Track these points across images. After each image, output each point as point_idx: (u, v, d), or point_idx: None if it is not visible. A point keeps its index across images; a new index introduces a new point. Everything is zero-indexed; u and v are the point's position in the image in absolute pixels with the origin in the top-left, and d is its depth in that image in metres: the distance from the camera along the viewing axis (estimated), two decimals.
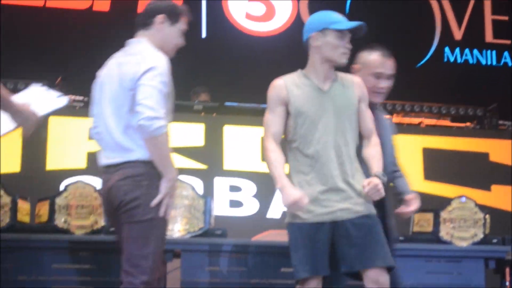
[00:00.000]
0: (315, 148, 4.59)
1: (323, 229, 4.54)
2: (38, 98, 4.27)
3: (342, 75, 4.79)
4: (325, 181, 4.58)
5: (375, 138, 4.80)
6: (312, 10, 10.54)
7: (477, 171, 8.88)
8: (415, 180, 8.98)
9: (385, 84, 5.04)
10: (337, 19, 4.73)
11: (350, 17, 5.11)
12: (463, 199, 6.00)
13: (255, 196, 8.53)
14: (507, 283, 6.02)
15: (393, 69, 5.06)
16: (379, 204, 4.68)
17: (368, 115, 4.81)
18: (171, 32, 4.49)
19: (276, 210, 8.53)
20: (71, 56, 9.24)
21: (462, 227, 5.90)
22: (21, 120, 3.93)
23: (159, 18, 4.44)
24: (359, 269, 4.59)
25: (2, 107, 3.96)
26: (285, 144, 4.65)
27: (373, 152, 4.76)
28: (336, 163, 4.60)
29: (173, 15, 4.49)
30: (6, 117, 4.07)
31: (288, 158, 4.66)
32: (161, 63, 4.26)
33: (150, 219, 4.16)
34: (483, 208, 6.00)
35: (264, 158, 4.74)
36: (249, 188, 8.49)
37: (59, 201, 5.35)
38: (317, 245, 4.55)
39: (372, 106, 4.93)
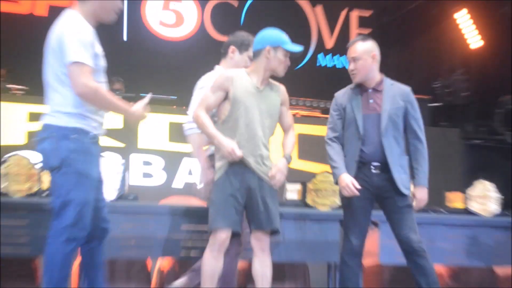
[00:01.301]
0: (244, 129, 4.79)
1: None
2: (112, 171, 4.49)
3: (273, 82, 4.97)
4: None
5: (292, 131, 5.07)
6: (213, 18, 10.66)
7: None
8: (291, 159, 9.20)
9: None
10: (288, 41, 4.91)
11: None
12: (325, 174, 6.11)
13: (163, 169, 8.60)
14: None
15: None
16: None
17: (288, 115, 5.06)
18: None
19: (179, 181, 8.66)
20: (15, 53, 9.12)
21: (324, 195, 6.04)
22: (133, 119, 4.20)
23: None
24: None
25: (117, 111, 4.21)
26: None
27: (287, 141, 5.04)
28: (254, 144, 4.81)
29: None
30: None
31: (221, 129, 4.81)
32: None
33: None
34: None
35: (198, 124, 4.81)
36: (159, 163, 8.56)
37: (1, 170, 5.36)
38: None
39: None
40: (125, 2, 10.23)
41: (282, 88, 5.02)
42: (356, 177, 4.98)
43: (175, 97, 8.86)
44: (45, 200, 5.32)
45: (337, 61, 11.55)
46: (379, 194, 5.00)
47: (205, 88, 5.00)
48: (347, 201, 5.04)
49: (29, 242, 5.23)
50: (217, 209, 4.79)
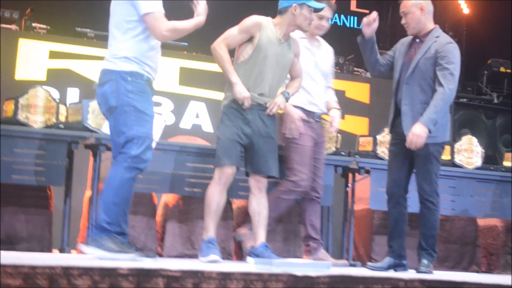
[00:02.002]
0: (257, 75, 4.77)
1: None
2: (155, 125, 4.37)
3: (291, 36, 4.95)
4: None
5: (299, 79, 5.04)
6: None
7: None
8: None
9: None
10: None
11: None
12: (322, 120, 5.96)
13: (172, 111, 8.43)
14: (349, 185, 6.11)
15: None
16: None
17: (298, 65, 5.03)
18: None
19: (187, 123, 8.50)
20: None
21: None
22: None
23: None
24: None
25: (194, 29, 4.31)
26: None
27: (291, 84, 5.02)
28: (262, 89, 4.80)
29: None
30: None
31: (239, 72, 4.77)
32: None
33: None
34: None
35: (216, 56, 4.76)
36: (168, 104, 8.37)
37: (21, 100, 5.20)
38: None
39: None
40: None
41: (297, 42, 5.02)
42: (393, 123, 4.97)
43: (186, 44, 8.69)
44: (61, 132, 5.19)
45: (337, 20, 11.31)
46: (405, 140, 4.82)
47: None
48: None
49: (45, 171, 5.11)
50: (224, 147, 4.74)
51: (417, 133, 4.68)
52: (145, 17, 4.16)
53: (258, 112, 4.83)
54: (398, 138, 4.91)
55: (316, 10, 4.95)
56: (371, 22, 4.90)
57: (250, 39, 4.80)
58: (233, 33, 4.80)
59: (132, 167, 4.14)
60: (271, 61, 4.81)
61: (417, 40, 4.92)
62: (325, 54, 5.54)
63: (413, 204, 5.07)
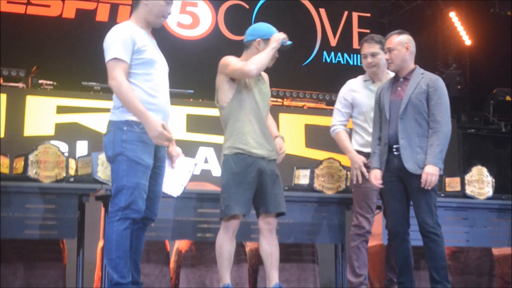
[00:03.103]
0: (250, 111, 4.79)
1: None
2: (184, 168, 4.55)
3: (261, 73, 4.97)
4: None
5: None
6: (227, 19, 10.51)
7: None
8: (299, 147, 9.11)
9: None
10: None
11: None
12: (331, 160, 5.99)
13: None
14: None
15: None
16: None
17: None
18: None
19: (196, 169, 8.46)
20: (45, 51, 9.02)
21: (330, 180, 5.91)
22: (150, 131, 4.16)
23: None
24: None
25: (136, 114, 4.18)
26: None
27: (271, 123, 5.01)
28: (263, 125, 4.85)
29: None
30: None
31: (227, 113, 4.83)
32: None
33: None
34: (345, 167, 5.98)
35: (255, 66, 4.69)
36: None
37: (31, 157, 5.22)
38: None
39: None
40: None
41: (266, 76, 5.03)
42: (388, 160, 4.98)
43: (192, 91, 8.78)
44: (71, 185, 5.24)
45: (341, 58, 11.40)
46: (401, 175, 4.89)
47: None
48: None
49: (57, 225, 5.13)
50: (229, 195, 4.72)
51: (430, 172, 4.76)
52: (107, 63, 4.20)
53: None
54: (393, 174, 4.95)
55: (282, 46, 4.83)
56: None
57: (231, 80, 4.80)
58: (240, 62, 4.76)
59: (123, 218, 4.16)
60: (257, 97, 4.83)
61: (401, 79, 5.00)
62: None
63: (417, 236, 5.08)
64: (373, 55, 5.40)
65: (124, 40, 4.20)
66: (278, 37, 4.77)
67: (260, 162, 4.79)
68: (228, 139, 4.84)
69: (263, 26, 4.90)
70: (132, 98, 4.15)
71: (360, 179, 5.36)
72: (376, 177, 5.01)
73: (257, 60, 4.70)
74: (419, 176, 4.77)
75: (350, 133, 5.61)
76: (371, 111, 5.33)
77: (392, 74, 5.42)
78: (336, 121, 5.58)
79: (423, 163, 4.79)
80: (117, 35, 4.22)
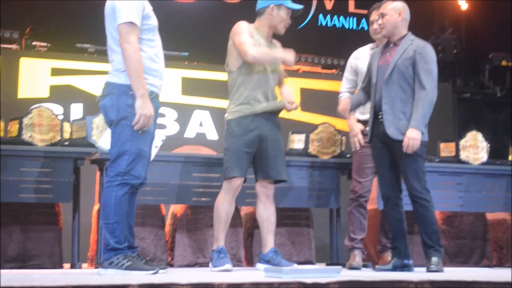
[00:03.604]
0: (257, 76, 4.79)
1: None
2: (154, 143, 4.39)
3: (272, 39, 4.97)
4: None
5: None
6: None
7: None
8: (294, 111, 9.04)
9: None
10: (289, 0, 4.87)
11: None
12: (326, 124, 5.99)
13: (175, 120, 8.45)
14: None
15: None
16: None
17: (283, 71, 5.08)
18: None
19: (191, 132, 8.52)
20: (38, 12, 8.90)
21: (325, 145, 5.90)
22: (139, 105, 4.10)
23: None
24: None
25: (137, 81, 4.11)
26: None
27: (284, 90, 5.08)
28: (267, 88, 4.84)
29: None
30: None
31: (236, 78, 4.80)
32: None
33: None
34: (340, 132, 6.03)
35: (263, 57, 4.73)
36: (172, 114, 8.39)
37: (26, 120, 5.20)
38: None
39: None
40: None
41: (278, 44, 5.02)
42: (373, 125, 4.99)
43: (187, 54, 8.71)
44: (66, 149, 5.21)
45: (336, 21, 11.30)
46: (386, 141, 4.88)
47: None
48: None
49: (52, 188, 5.13)
50: (233, 158, 4.74)
51: (412, 137, 4.73)
52: (119, 26, 4.13)
53: (264, 117, 4.83)
54: (379, 141, 4.95)
55: (294, 12, 4.89)
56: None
57: None
58: (249, 39, 4.74)
59: (123, 183, 4.12)
60: (268, 67, 4.84)
61: (391, 45, 4.99)
62: None
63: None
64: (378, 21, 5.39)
65: (136, 4, 4.14)
66: (289, 58, 4.84)
67: (262, 128, 4.79)
68: (233, 104, 4.84)
69: None
70: (141, 69, 4.11)
71: (357, 145, 5.38)
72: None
73: (263, 54, 4.75)
74: (402, 142, 4.76)
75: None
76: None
77: None
78: (343, 88, 5.66)
79: (405, 128, 4.77)
80: None
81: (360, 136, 5.38)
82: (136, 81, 4.11)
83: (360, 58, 5.56)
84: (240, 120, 4.77)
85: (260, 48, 4.76)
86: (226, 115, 4.89)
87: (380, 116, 4.89)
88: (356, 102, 5.22)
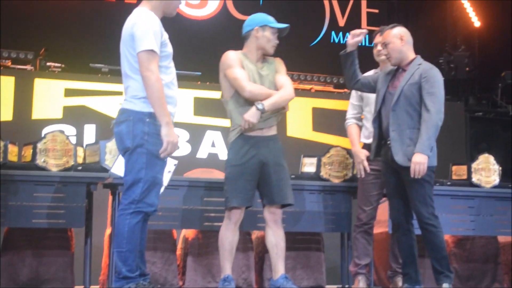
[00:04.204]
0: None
1: None
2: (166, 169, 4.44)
3: (268, 58, 5.01)
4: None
5: (283, 89, 4.93)
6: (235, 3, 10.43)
7: None
8: (306, 131, 9.10)
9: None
10: (273, 20, 4.95)
11: (263, 10, 5.19)
12: (338, 148, 6.00)
13: (188, 141, 8.48)
14: None
15: None
16: None
17: (280, 77, 4.98)
18: None
19: (203, 152, 8.55)
20: (52, 33, 8.99)
21: (337, 168, 5.91)
22: (165, 134, 4.16)
23: None
24: None
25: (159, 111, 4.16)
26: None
27: (273, 93, 4.89)
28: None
29: None
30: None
31: (230, 106, 4.90)
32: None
33: None
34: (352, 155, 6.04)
35: (257, 94, 4.79)
36: (184, 135, 8.40)
37: (39, 145, 5.24)
38: None
39: None
40: None
41: (277, 59, 5.05)
42: (378, 151, 5.05)
43: (199, 73, 8.75)
44: (79, 174, 5.26)
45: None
46: (396, 167, 4.91)
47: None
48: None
49: (64, 214, 5.16)
50: (231, 187, 4.79)
51: (418, 161, 4.76)
52: (139, 54, 4.16)
53: (263, 143, 4.88)
54: (388, 167, 5.00)
55: (281, 31, 4.94)
56: (356, 35, 5.05)
57: None
58: (238, 72, 4.81)
59: (137, 212, 4.15)
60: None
61: (400, 70, 5.03)
62: None
63: None
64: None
65: (156, 32, 4.18)
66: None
67: (262, 153, 4.83)
68: (231, 131, 4.94)
69: (259, 15, 4.99)
70: (163, 97, 4.16)
71: (363, 173, 5.44)
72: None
73: (260, 89, 4.82)
74: (410, 168, 4.78)
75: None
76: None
77: None
78: (348, 115, 5.72)
79: (412, 155, 4.80)
80: (150, 26, 4.17)
81: (365, 163, 5.43)
82: (161, 109, 4.15)
83: None
84: (239, 148, 4.82)
85: (259, 89, 4.81)
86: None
87: (388, 142, 4.91)
88: (355, 75, 5.19)
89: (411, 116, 4.87)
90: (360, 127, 5.67)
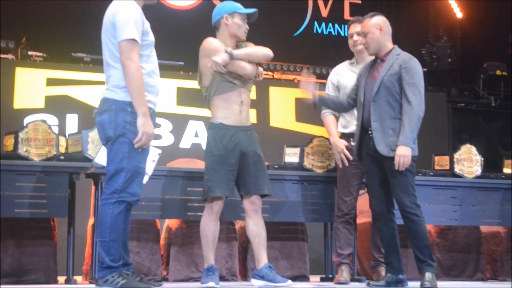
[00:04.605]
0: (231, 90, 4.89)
1: None
2: (149, 158, 4.44)
3: (242, 43, 5.03)
4: None
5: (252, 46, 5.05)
6: None
7: None
8: (289, 121, 9.11)
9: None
10: (240, 7, 4.99)
11: (247, 0, 5.19)
12: (321, 138, 5.99)
13: (171, 131, 8.47)
14: None
15: None
16: None
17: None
18: None
19: (186, 143, 8.53)
20: (33, 22, 8.91)
21: (320, 159, 5.92)
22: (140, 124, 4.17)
23: None
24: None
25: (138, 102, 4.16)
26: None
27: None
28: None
29: None
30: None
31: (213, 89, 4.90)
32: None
33: None
34: None
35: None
36: (166, 125, 8.41)
37: (21, 135, 5.19)
38: None
39: None
40: None
41: (248, 43, 5.08)
42: (361, 142, 5.02)
43: (182, 63, 8.73)
44: (62, 163, 5.22)
45: (331, 29, 11.33)
46: (377, 157, 4.92)
47: None
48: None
49: (47, 203, 5.13)
50: (214, 177, 4.79)
51: (402, 154, 4.78)
52: (120, 43, 4.15)
53: (242, 133, 4.90)
54: (370, 157, 5.01)
55: (250, 17, 4.98)
56: (305, 87, 5.19)
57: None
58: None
59: (119, 201, 4.15)
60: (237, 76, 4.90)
61: (378, 61, 5.04)
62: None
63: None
64: (359, 34, 5.43)
65: (137, 21, 4.17)
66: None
67: (242, 143, 4.86)
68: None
69: (226, 3, 5.03)
70: (142, 87, 4.16)
71: (346, 162, 5.44)
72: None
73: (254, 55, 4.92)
74: (392, 158, 4.80)
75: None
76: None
77: None
78: None
79: (395, 145, 4.81)
80: (131, 14, 4.16)
81: (346, 152, 5.46)
82: (138, 99, 4.14)
83: (341, 73, 5.64)
84: (220, 138, 4.83)
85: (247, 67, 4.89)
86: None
87: (370, 132, 4.92)
88: (338, 103, 5.27)
89: (392, 107, 4.88)
90: (337, 117, 5.67)
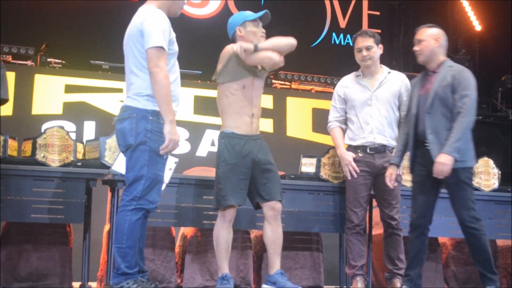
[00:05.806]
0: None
1: None
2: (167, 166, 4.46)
3: None
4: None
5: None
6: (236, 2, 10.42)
7: None
8: (306, 131, 9.11)
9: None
10: (250, 14, 4.98)
11: (264, 7, 5.20)
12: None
13: (187, 139, 8.49)
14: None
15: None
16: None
17: None
18: None
19: (203, 151, 8.55)
20: (53, 29, 8.99)
21: (336, 169, 5.84)
22: (167, 131, 4.20)
23: None
24: None
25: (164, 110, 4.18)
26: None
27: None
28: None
29: None
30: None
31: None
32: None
33: None
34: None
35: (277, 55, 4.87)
36: (183, 133, 8.43)
37: (39, 140, 5.24)
38: None
39: None
40: None
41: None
42: (414, 155, 5.01)
43: (200, 72, 8.76)
44: (79, 170, 5.25)
45: (349, 40, 11.34)
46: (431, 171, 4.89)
47: None
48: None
49: (63, 209, 5.15)
50: (227, 186, 4.79)
51: (441, 162, 4.76)
52: (148, 50, 4.16)
53: (253, 142, 4.91)
54: (424, 168, 4.97)
55: (263, 19, 4.97)
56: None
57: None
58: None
59: (138, 208, 4.17)
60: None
61: (430, 73, 5.02)
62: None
63: (433, 229, 5.16)
64: (368, 48, 5.43)
65: (165, 30, 4.19)
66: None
67: (254, 152, 4.87)
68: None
69: (235, 16, 5.05)
70: (170, 95, 4.17)
71: (354, 174, 5.44)
72: (391, 175, 5.16)
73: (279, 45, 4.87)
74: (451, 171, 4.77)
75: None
76: (361, 105, 5.45)
77: (385, 69, 5.56)
78: (331, 118, 5.71)
79: None
80: (159, 23, 4.18)
81: (353, 164, 5.45)
82: (166, 107, 4.16)
83: (348, 86, 5.61)
84: (232, 147, 4.84)
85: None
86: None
87: (426, 145, 4.90)
88: (406, 142, 5.18)
89: (447, 118, 4.86)
90: (343, 130, 5.66)
